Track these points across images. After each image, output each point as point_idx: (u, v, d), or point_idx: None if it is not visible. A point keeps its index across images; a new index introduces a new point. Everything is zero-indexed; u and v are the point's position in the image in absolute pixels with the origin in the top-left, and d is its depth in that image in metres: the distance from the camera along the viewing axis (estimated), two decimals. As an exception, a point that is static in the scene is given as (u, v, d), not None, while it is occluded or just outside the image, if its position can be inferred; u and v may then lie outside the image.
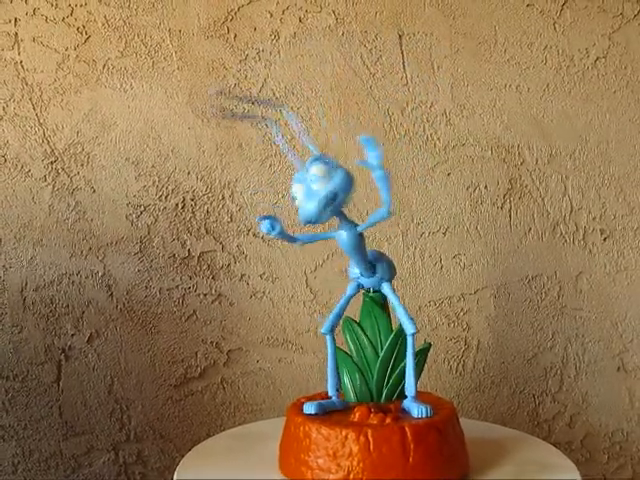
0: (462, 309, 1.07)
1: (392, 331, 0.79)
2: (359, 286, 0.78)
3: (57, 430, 1.02)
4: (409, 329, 0.74)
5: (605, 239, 1.09)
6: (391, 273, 0.78)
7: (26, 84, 1.01)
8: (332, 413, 0.75)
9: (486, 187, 1.07)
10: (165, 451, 1.04)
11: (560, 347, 1.09)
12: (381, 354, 0.80)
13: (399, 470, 0.69)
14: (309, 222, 0.70)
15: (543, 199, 1.07)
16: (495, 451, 0.82)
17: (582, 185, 1.08)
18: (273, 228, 0.71)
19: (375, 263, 0.77)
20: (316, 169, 0.70)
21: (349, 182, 0.70)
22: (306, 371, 1.05)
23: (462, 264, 1.07)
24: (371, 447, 0.69)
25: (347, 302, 0.78)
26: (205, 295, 1.04)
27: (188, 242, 1.03)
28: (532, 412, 1.09)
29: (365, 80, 1.05)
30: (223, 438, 0.88)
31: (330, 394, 0.77)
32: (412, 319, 0.75)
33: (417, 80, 1.06)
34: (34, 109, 1.01)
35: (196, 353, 1.04)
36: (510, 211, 1.07)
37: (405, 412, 0.74)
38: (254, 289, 1.05)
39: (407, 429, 0.70)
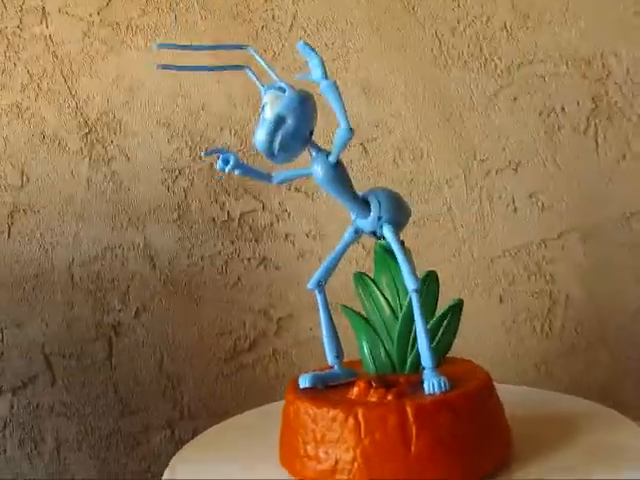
0: (544, 258, 0.84)
1: (413, 286, 0.60)
2: (358, 230, 0.60)
3: (114, 408, 0.93)
4: (410, 284, 0.55)
5: None
6: (394, 212, 0.58)
7: (56, 57, 0.91)
8: (334, 388, 0.58)
9: (563, 110, 0.83)
10: (221, 428, 0.92)
11: (675, 297, 0.82)
12: (400, 315, 0.61)
13: (398, 461, 0.50)
14: (268, 156, 0.54)
15: (639, 116, 0.81)
16: (562, 432, 0.60)
17: (692, 94, 0.81)
18: (225, 162, 0.56)
19: (368, 199, 0.58)
20: (266, 97, 0.54)
21: (300, 102, 0.53)
22: (362, 338, 0.88)
23: (540, 204, 0.84)
24: (362, 431, 0.51)
25: (342, 251, 0.59)
26: (249, 260, 0.90)
27: (227, 204, 0.89)
28: (642, 378, 0.84)
29: (406, 1, 0.85)
30: (246, 418, 0.74)
31: (331, 363, 0.60)
32: (414, 274, 0.55)
33: (468, -8, 0.84)
34: (65, 82, 0.91)
35: (244, 323, 0.90)
36: (596, 136, 0.82)
37: (422, 387, 0.56)
38: (301, 249, 0.89)
39: (408, 408, 0.51)
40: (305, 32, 0.87)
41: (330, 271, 0.60)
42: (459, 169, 0.85)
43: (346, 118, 0.52)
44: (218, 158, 0.57)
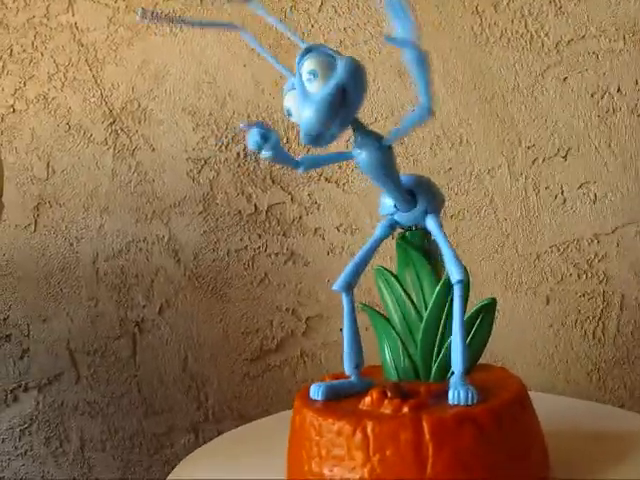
0: (596, 254, 0.75)
1: (439, 282, 0.53)
2: (393, 225, 0.53)
3: (138, 408, 0.88)
4: (454, 275, 0.47)
5: None
6: (438, 202, 0.51)
7: (81, 45, 0.87)
8: (347, 398, 0.51)
9: (619, 90, 0.73)
10: (247, 432, 0.86)
11: None
12: (425, 315, 0.54)
13: (411, 482, 0.44)
14: (312, 140, 0.45)
15: None
16: (610, 452, 0.52)
17: None
18: (266, 140, 0.45)
19: (414, 190, 0.51)
20: (310, 63, 0.44)
21: (360, 73, 0.44)
22: (394, 340, 0.80)
23: (592, 195, 0.75)
24: (370, 448, 0.45)
25: (374, 248, 0.53)
26: (277, 255, 0.83)
27: (254, 195, 0.84)
28: None
29: (445, -25, 0.77)
30: (266, 423, 0.68)
31: (348, 373, 0.53)
32: (460, 264, 0.48)
33: (513, -37, 0.75)
34: (90, 70, 0.87)
35: (271, 322, 0.84)
36: (657, 118, 0.73)
37: (446, 397, 0.48)
38: (331, 244, 0.82)
39: (425, 423, 0.44)
40: (336, 12, 0.80)
41: (360, 271, 0.52)
42: (502, 157, 0.77)
43: (429, 96, 0.43)
44: (251, 133, 0.45)
